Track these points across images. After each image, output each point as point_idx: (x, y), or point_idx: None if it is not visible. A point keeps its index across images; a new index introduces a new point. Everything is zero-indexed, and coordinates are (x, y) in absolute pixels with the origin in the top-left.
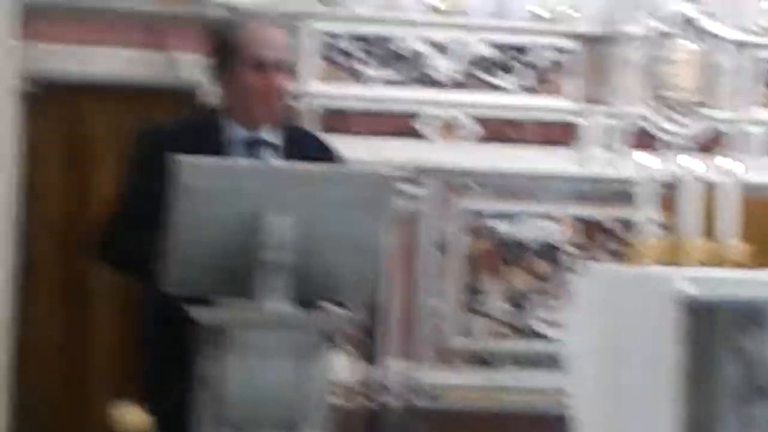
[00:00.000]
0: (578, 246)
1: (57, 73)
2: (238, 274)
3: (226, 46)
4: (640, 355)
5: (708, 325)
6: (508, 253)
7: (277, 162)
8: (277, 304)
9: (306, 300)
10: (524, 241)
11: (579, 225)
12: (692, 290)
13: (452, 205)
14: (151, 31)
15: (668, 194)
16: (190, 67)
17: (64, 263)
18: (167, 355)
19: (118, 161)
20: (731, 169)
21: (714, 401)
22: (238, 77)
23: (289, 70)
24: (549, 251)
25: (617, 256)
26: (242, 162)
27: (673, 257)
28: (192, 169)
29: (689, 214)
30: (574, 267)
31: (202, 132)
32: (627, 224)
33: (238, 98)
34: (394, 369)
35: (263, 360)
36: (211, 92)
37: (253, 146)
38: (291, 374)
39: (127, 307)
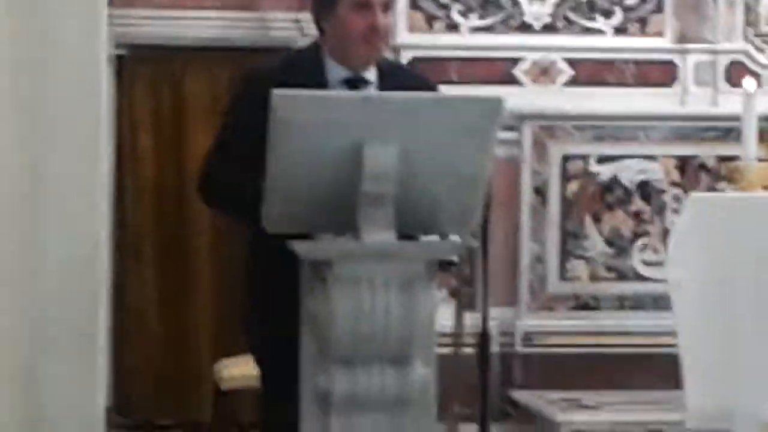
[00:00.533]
0: (681, 186)
1: (149, 37)
2: (341, 208)
3: None
4: (751, 282)
5: None
6: (609, 196)
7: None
8: (380, 235)
9: (408, 232)
10: (625, 183)
11: (681, 164)
12: None
13: (551, 149)
14: None
15: None
16: (284, 27)
17: (161, 224)
18: (274, 296)
19: (213, 122)
20: None
21: None
22: (339, 18)
23: (392, 6)
24: (651, 192)
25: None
26: (341, 93)
27: None
28: (289, 102)
29: None
30: (676, 207)
31: (305, 70)
32: (730, 161)
33: (340, 39)
34: (496, 315)
35: (369, 293)
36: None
37: (353, 85)
38: (397, 306)
39: (226, 264)
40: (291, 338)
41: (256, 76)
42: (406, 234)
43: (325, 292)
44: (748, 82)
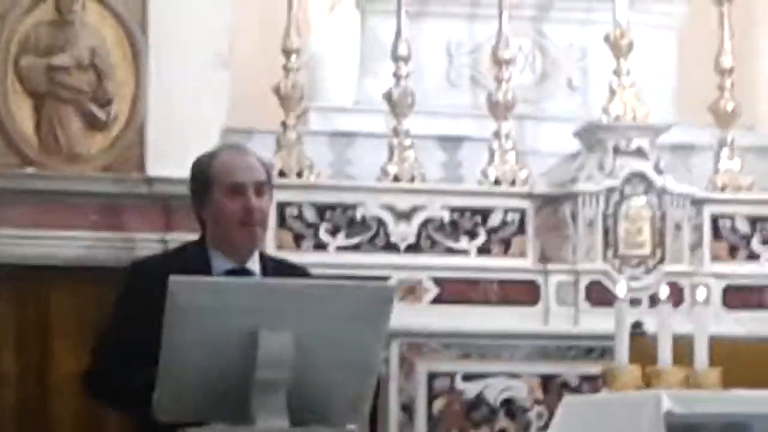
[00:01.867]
0: (544, 403)
1: (14, 256)
2: (234, 396)
3: (202, 178)
4: None
5: None
6: (475, 413)
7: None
8: (273, 421)
9: (301, 418)
10: (490, 401)
11: (544, 382)
12: (677, 408)
13: (418, 366)
14: (109, 212)
15: (637, 348)
16: (150, 246)
17: None
18: None
19: (79, 342)
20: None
21: None
22: (215, 205)
23: (266, 192)
24: (515, 410)
25: None
26: (237, 279)
27: (648, 383)
28: (187, 288)
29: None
30: (540, 425)
31: (190, 263)
32: (592, 380)
33: (217, 226)
34: None
35: None
36: None
37: (237, 276)
38: None
39: None
40: None
41: (143, 268)
42: (299, 419)
43: None
44: (621, 287)
